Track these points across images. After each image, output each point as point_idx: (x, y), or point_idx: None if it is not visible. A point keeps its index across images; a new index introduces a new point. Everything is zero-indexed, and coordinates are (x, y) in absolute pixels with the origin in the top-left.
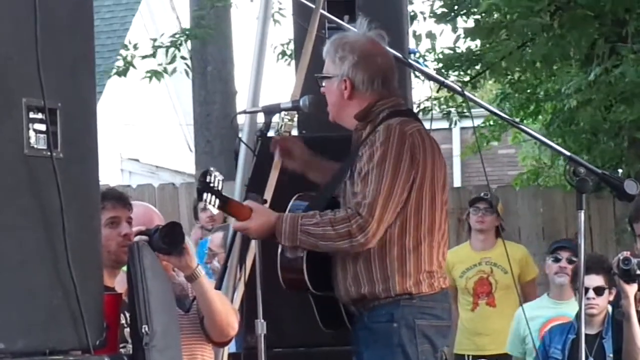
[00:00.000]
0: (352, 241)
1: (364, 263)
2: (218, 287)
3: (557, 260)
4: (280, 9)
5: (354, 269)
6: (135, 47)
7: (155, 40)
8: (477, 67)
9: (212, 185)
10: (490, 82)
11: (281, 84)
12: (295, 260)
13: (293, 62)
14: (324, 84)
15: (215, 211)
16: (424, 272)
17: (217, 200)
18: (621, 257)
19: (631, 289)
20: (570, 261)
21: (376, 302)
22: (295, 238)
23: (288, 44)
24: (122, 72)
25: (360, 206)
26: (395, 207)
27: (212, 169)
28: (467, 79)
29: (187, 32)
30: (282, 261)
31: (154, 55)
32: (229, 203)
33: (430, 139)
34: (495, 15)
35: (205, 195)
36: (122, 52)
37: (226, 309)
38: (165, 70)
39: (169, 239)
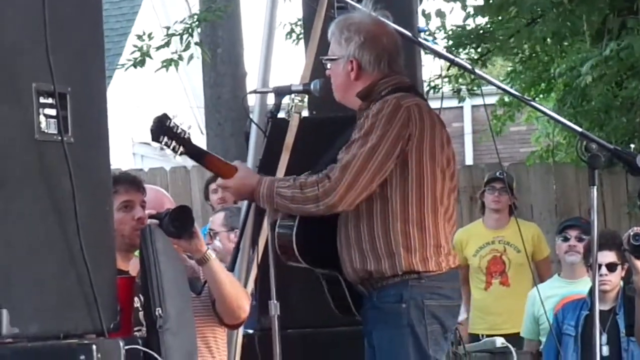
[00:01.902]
0: (318, 205)
1: (369, 238)
2: (231, 268)
3: (566, 239)
4: None
5: (358, 245)
6: (149, 36)
7: (168, 28)
8: (487, 45)
9: (172, 128)
10: (500, 59)
11: (290, 63)
12: (285, 234)
13: (300, 42)
14: (329, 66)
15: (178, 157)
16: (431, 246)
17: (181, 147)
18: (631, 233)
19: None
20: (579, 239)
21: (384, 282)
22: (272, 201)
23: (296, 23)
24: (139, 63)
25: (332, 170)
26: (374, 174)
27: (173, 115)
28: (477, 57)
29: (198, 18)
30: (277, 235)
31: (167, 44)
32: (207, 158)
33: (430, 115)
34: None
35: (162, 137)
36: (138, 42)
37: (237, 292)
38: (180, 57)
39: (178, 222)
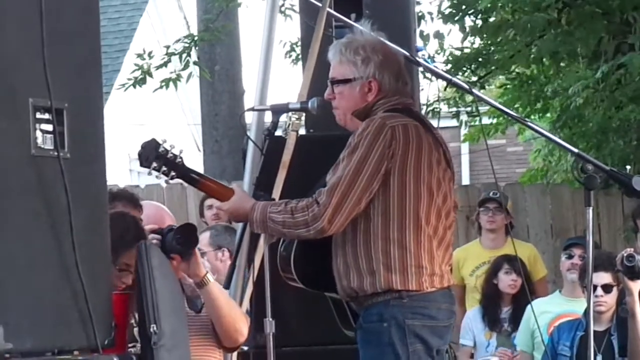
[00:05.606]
0: (309, 230)
1: (352, 256)
2: (226, 286)
3: (570, 257)
4: (291, 4)
5: (345, 262)
6: (150, 55)
7: (167, 47)
8: (486, 66)
9: (162, 153)
10: (498, 82)
11: (289, 81)
12: (285, 256)
13: (300, 62)
14: (338, 89)
15: (168, 181)
16: (412, 266)
17: (172, 172)
18: (625, 254)
19: (635, 286)
20: (582, 258)
21: (369, 301)
22: (265, 226)
23: (296, 43)
24: (140, 82)
25: (320, 194)
26: (360, 196)
27: (163, 140)
28: (476, 79)
29: (195, 38)
30: (279, 256)
31: (165, 64)
32: (202, 181)
33: (418, 135)
34: (502, 13)
35: (151, 163)
36: (137, 60)
37: (234, 315)
38: (179, 76)
39: (183, 238)
